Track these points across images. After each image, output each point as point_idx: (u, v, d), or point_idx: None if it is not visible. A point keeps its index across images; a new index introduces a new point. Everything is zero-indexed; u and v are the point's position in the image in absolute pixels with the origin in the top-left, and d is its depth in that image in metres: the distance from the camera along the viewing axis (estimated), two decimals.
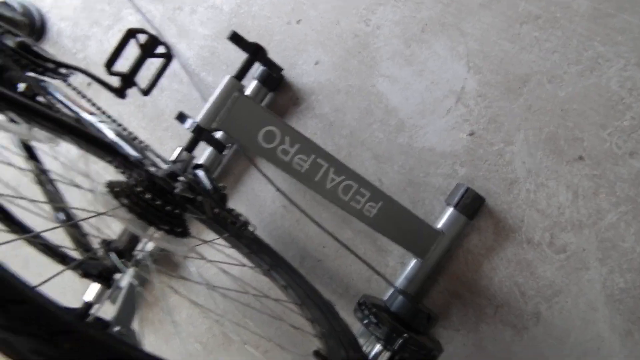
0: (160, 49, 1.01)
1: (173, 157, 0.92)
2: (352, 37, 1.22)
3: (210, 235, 1.10)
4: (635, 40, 1.01)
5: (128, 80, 0.99)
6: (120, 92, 1.00)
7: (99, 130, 0.94)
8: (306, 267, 1.14)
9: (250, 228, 0.94)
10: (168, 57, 1.04)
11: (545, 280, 1.00)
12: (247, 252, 0.98)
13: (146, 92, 1.03)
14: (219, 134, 1.14)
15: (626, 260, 0.96)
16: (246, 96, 0.89)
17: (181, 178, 0.84)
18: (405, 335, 0.80)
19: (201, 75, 1.35)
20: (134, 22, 1.50)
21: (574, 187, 1.01)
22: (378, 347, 0.85)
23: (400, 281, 0.99)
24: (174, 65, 1.37)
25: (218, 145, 0.90)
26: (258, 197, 1.23)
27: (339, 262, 1.13)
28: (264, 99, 1.23)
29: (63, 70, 1.16)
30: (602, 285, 0.97)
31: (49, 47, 1.60)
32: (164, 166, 0.87)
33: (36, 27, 1.65)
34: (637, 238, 0.96)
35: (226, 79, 0.91)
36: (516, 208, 1.03)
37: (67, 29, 1.61)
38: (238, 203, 1.24)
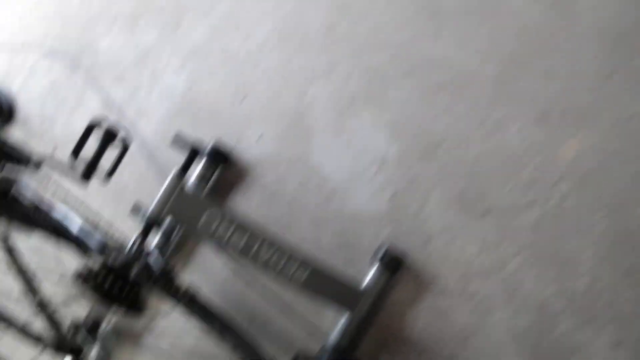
0: (118, 138, 1.16)
1: (130, 243, 1.07)
2: (291, 111, 1.38)
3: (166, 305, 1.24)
4: (532, 102, 1.18)
5: (90, 167, 1.14)
6: (83, 178, 1.15)
7: (68, 222, 1.08)
8: (256, 326, 1.29)
9: (199, 298, 1.09)
10: (125, 145, 1.19)
11: (459, 325, 1.15)
12: (199, 319, 1.13)
13: (107, 176, 1.18)
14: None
15: (527, 302, 1.12)
16: (188, 189, 1.04)
17: (136, 264, 0.99)
18: None
19: (160, 150, 1.51)
20: (97, 101, 1.65)
21: (481, 240, 1.16)
22: None
23: (334, 334, 1.14)
24: (137, 141, 1.52)
25: (167, 233, 1.05)
26: (210, 265, 1.38)
27: (284, 320, 1.27)
28: (214, 173, 1.38)
29: (34, 161, 1.31)
30: (508, 326, 1.13)
31: (18, 129, 1.75)
32: (123, 253, 1.02)
33: (4, 110, 1.79)
34: (537, 280, 1.12)
35: (172, 173, 1.07)
36: (432, 262, 1.19)
37: (35, 110, 1.76)
38: (192, 272, 1.39)
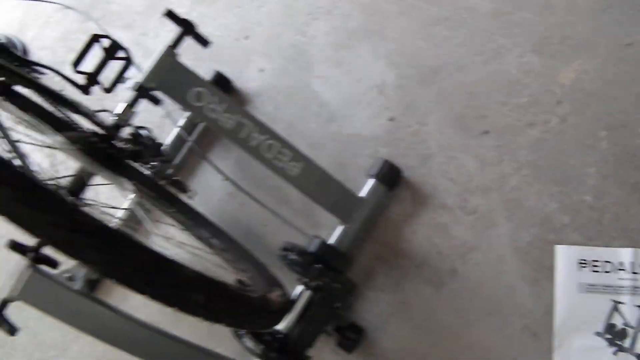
0: (121, 53, 1.15)
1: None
2: (291, 47, 1.39)
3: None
4: (530, 32, 1.18)
5: (92, 78, 1.13)
6: (85, 89, 1.14)
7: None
8: (250, 244, 1.24)
9: (190, 194, 1.06)
10: (128, 60, 1.17)
11: (459, 240, 1.11)
12: (188, 220, 1.09)
13: (108, 90, 1.16)
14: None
15: (530, 217, 1.08)
16: (179, 61, 1.03)
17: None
18: (319, 265, 0.90)
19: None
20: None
21: (480, 157, 1.14)
22: (299, 288, 0.95)
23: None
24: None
25: (154, 100, 1.03)
26: (208, 187, 1.35)
27: (278, 237, 1.23)
28: None
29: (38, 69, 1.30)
30: (510, 240, 1.08)
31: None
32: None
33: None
34: (538, 196, 1.09)
35: (163, 47, 1.05)
36: (431, 178, 1.16)
37: (46, 57, 1.77)
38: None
